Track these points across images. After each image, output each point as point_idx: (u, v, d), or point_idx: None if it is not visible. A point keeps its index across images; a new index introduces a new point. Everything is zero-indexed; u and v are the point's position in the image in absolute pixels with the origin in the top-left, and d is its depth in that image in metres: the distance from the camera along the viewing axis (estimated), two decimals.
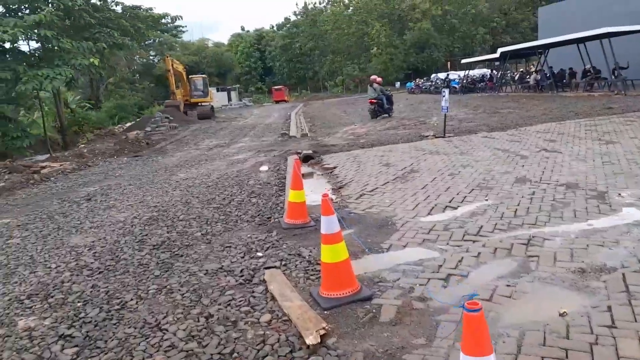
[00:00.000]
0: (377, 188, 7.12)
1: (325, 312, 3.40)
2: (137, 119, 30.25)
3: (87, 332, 3.41)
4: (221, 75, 67.18)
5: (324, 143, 13.12)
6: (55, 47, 17.30)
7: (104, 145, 17.70)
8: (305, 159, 10.91)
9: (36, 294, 4.17)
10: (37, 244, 5.74)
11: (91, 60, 17.62)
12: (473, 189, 6.38)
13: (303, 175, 9.24)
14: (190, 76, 33.43)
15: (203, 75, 36.36)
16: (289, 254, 4.57)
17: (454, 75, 38.19)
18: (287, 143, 14.27)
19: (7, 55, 17.97)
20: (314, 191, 7.75)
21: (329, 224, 3.54)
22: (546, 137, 10.25)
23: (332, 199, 6.78)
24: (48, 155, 16.91)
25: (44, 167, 12.47)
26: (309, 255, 4.47)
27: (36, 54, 19.08)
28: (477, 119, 15.44)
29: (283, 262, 4.37)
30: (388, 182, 7.48)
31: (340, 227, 3.59)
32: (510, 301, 3.30)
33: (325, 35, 64.30)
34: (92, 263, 4.85)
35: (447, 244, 4.52)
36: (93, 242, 5.61)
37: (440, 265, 4.01)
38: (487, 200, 5.85)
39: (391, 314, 3.28)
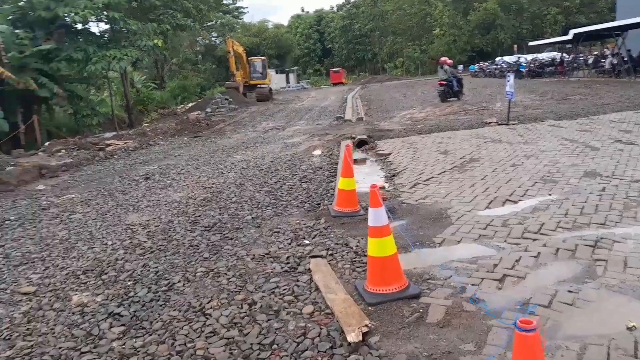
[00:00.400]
0: (432, 177, 6.86)
1: (370, 308, 3.28)
2: (199, 100, 31.04)
3: (135, 311, 3.48)
4: (280, 57, 67.57)
5: (380, 128, 12.85)
6: (123, 29, 17.96)
7: (166, 125, 18.28)
8: (360, 144, 10.73)
9: (91, 270, 4.33)
10: (97, 220, 5.98)
11: (155, 41, 18.17)
12: (536, 182, 5.99)
13: (356, 161, 9.12)
14: (249, 58, 33.80)
15: (262, 57, 36.65)
16: (336, 243, 4.48)
17: (523, 58, 36.23)
18: (342, 127, 14.11)
19: (79, 37, 18.85)
20: (366, 178, 7.60)
21: (376, 217, 3.39)
22: (621, 127, 9.47)
23: (383, 188, 6.60)
24: (115, 133, 17.70)
25: (108, 145, 13.05)
26: (357, 245, 4.34)
27: (105, 35, 19.90)
28: (544, 105, 14.56)
29: (329, 252, 4.28)
30: (445, 171, 7.18)
31: (388, 220, 3.43)
32: (572, 309, 3.03)
33: (386, 15, 62.89)
34: (145, 242, 4.97)
35: (505, 241, 4.25)
36: (148, 221, 5.77)
37: (496, 265, 3.77)
38: (550, 195, 5.47)
39: (439, 314, 3.11)
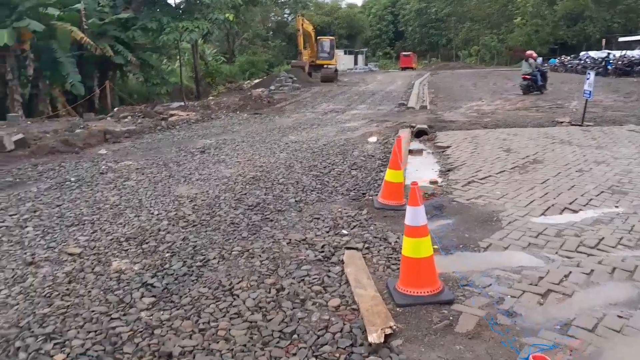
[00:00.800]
0: (490, 176, 6.52)
1: (398, 309, 3.15)
2: (265, 77, 31.40)
3: (167, 284, 3.55)
4: (350, 38, 66.77)
5: (443, 118, 12.40)
6: (197, 1, 18.36)
7: (230, 100, 18.64)
8: (418, 134, 10.42)
9: (134, 237, 4.47)
10: (148, 189, 6.17)
11: (227, 15, 18.44)
12: (602, 192, 5.53)
13: (412, 151, 8.87)
14: (318, 37, 33.67)
15: (331, 37, 36.39)
16: (375, 237, 4.35)
17: (612, 55, 33.59)
18: (403, 114, 13.76)
19: (156, 7, 19.49)
20: (419, 170, 7.37)
21: (414, 216, 3.23)
22: None
23: (435, 183, 6.36)
24: (181, 103, 18.28)
25: (172, 115, 13.48)
26: (395, 242, 4.19)
27: (180, 7, 20.45)
28: (626, 107, 13.45)
29: (366, 245, 4.16)
30: (504, 170, 6.81)
31: (434, 217, 3.26)
32: (618, 337, 2.76)
33: (464, 0, 60.31)
34: (189, 215, 5.08)
35: (556, 253, 3.96)
36: (196, 194, 5.88)
37: (542, 277, 3.51)
38: (617, 207, 5.03)
39: (470, 325, 2.93)
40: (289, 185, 6.20)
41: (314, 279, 3.59)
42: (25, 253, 4.17)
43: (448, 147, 8.77)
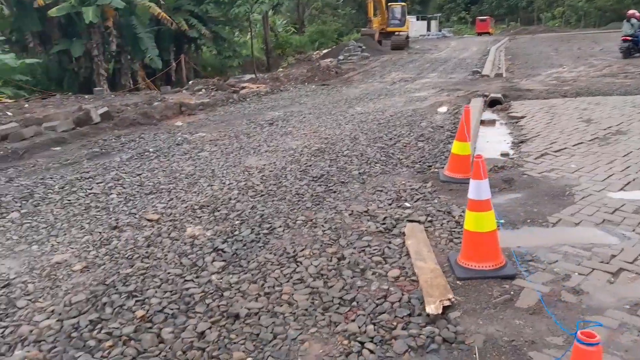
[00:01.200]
0: (565, 148, 6.20)
1: (458, 282, 3.16)
2: (334, 46, 31.13)
3: (236, 250, 3.77)
4: (423, 3, 64.15)
5: (519, 87, 11.80)
6: None
7: (299, 71, 18.77)
8: (492, 104, 10.02)
9: (207, 205, 4.74)
10: (220, 160, 6.47)
11: None
12: None
13: (483, 122, 8.57)
14: (389, 3, 32.68)
15: (402, 3, 35.14)
16: (438, 210, 4.32)
17: None
18: (476, 83, 13.23)
19: None
20: (490, 142, 7.14)
21: (477, 189, 3.18)
22: None
23: (507, 155, 6.15)
24: (252, 76, 18.68)
25: (243, 88, 13.83)
26: (460, 215, 4.14)
27: None
28: None
29: (429, 218, 4.16)
30: (582, 142, 6.44)
31: (489, 194, 3.20)
32: None
33: None
34: (257, 185, 5.29)
35: (634, 230, 3.76)
36: (264, 165, 6.09)
37: (614, 256, 3.36)
38: None
39: (532, 300, 2.89)
40: (353, 157, 6.25)
41: (374, 249, 3.66)
42: (110, 218, 4.58)
43: (522, 117, 8.38)
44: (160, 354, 2.56)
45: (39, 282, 3.38)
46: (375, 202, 4.60)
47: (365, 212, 4.37)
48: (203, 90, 13.66)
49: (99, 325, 2.81)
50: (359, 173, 5.55)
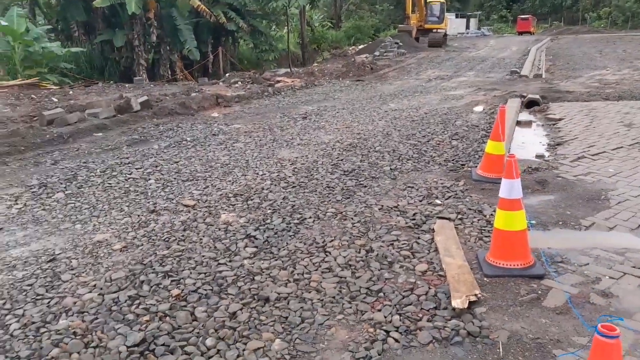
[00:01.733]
0: (603, 152, 6.07)
1: (485, 279, 3.18)
2: (370, 42, 31.01)
3: (267, 237, 3.88)
4: (463, 1, 63.07)
5: (558, 88, 11.54)
6: None
7: (334, 66, 18.81)
8: (529, 105, 9.85)
9: (240, 194, 4.88)
10: (254, 151, 6.61)
11: None
12: None
13: (520, 123, 8.46)
14: (428, 0, 32.31)
15: (441, 0, 34.72)
16: (469, 208, 4.33)
17: None
18: (514, 83, 13.00)
19: None
20: (525, 143, 7.05)
21: (509, 188, 3.19)
22: None
23: (542, 157, 6.07)
24: (287, 70, 18.84)
25: (278, 82, 13.99)
26: (491, 215, 4.14)
27: None
28: None
29: (459, 216, 4.17)
30: (622, 146, 6.29)
31: (520, 194, 3.20)
32: None
33: None
34: (289, 177, 5.39)
35: None
36: (296, 158, 6.20)
37: None
38: None
39: (559, 300, 2.89)
40: (385, 153, 6.28)
41: (403, 244, 3.70)
42: (149, 202, 4.76)
43: (560, 119, 8.22)
44: (193, 330, 2.69)
45: (82, 259, 3.57)
46: (405, 198, 4.63)
47: (395, 207, 4.41)
48: (239, 82, 13.88)
49: (137, 301, 2.97)
50: (391, 169, 5.58)
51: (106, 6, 17.27)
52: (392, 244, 3.70)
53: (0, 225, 4.23)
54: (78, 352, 2.50)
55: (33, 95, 10.87)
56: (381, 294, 3.04)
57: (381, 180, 5.23)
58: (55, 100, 10.50)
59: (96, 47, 18.93)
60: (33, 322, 2.76)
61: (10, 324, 2.75)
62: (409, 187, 4.95)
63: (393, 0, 52.45)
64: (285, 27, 25.40)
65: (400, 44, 24.98)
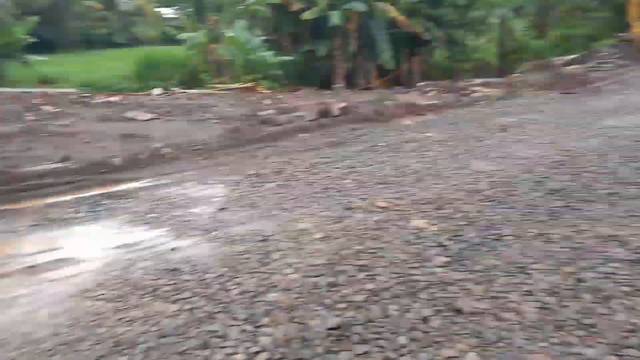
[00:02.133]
0: None
1: None
2: (583, 52, 27.85)
3: (461, 249, 3.76)
4: None
5: None
6: None
7: (536, 77, 17.35)
8: None
9: (432, 202, 4.82)
10: (447, 160, 6.47)
11: None
12: None
13: None
14: None
15: None
16: None
17: None
18: None
19: None
20: None
21: None
22: None
23: None
24: (485, 79, 18.03)
25: (474, 91, 13.48)
26: None
27: None
28: None
29: None
30: None
31: None
32: None
33: None
34: (485, 190, 5.14)
35: None
36: (493, 171, 5.88)
37: None
38: None
39: None
40: (600, 174, 5.55)
41: (622, 278, 3.23)
42: (345, 200, 5.03)
43: None
44: (386, 326, 2.75)
45: (288, 242, 3.94)
46: (627, 228, 4.02)
47: (613, 236, 3.87)
48: (433, 91, 13.79)
49: (334, 288, 3.15)
50: (608, 193, 4.91)
51: (312, 18, 18.84)
52: (609, 277, 3.25)
53: (226, 205, 4.95)
54: (284, 324, 2.77)
55: (252, 97, 12.43)
56: (594, 329, 2.69)
57: (595, 204, 4.63)
58: (268, 102, 11.83)
59: (301, 56, 20.76)
60: (249, 291, 3.14)
61: (231, 289, 3.18)
62: (631, 215, 4.29)
63: (612, 7, 46.29)
64: (484, 37, 24.41)
65: (620, 54, 21.88)
